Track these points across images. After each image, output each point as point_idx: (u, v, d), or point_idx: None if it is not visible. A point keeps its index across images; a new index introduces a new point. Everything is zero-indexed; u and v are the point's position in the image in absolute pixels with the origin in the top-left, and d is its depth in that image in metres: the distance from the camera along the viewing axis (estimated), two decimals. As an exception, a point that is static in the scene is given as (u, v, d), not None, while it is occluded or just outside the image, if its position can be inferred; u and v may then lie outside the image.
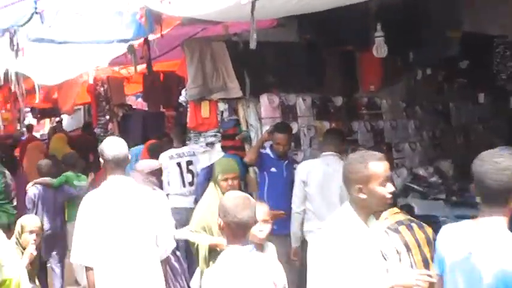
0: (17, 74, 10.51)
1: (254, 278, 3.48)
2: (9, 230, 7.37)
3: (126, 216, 4.66)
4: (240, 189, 5.19)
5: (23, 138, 15.50)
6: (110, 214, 4.63)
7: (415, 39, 7.57)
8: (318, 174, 6.19)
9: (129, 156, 4.92)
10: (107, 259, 4.60)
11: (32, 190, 8.19)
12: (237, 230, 3.54)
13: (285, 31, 7.59)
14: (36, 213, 7.71)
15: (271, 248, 4.67)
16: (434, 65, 8.98)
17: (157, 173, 6.10)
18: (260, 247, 4.39)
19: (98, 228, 4.58)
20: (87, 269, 4.64)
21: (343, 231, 3.24)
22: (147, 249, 4.72)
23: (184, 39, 7.58)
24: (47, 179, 8.29)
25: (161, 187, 6.61)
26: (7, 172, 8.75)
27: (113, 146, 4.73)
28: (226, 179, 5.18)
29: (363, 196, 3.26)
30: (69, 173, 8.54)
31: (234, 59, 7.34)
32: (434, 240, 3.49)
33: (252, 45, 5.05)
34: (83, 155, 11.22)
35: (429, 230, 4.25)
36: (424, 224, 4.33)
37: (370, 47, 7.08)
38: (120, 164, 4.71)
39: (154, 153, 7.60)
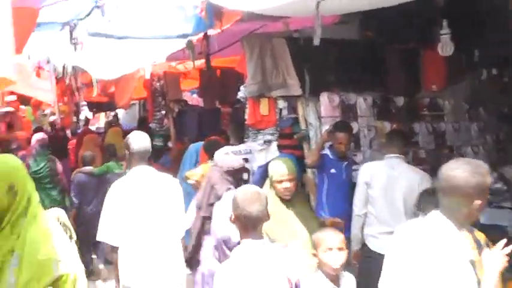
0: (74, 68, 10.67)
1: (267, 272, 3.54)
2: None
3: (148, 200, 5.26)
4: (296, 190, 5.02)
5: (79, 130, 15.64)
6: (134, 198, 5.23)
7: (481, 37, 7.30)
8: (381, 177, 5.92)
9: (150, 150, 5.51)
10: (130, 238, 5.17)
11: (76, 178, 9.11)
12: (246, 224, 3.66)
13: (347, 28, 7.40)
14: (79, 199, 8.90)
15: (348, 279, 4.30)
16: (500, 64, 8.61)
17: (233, 172, 5.90)
18: (335, 278, 4.17)
19: (123, 211, 5.17)
20: (113, 247, 5.22)
21: (444, 241, 3.19)
22: (167, 229, 5.30)
23: (244, 34, 7.46)
24: (90, 168, 9.11)
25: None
26: (55, 159, 9.29)
27: (138, 140, 5.40)
28: (281, 181, 4.93)
29: (470, 208, 3.19)
30: (111, 163, 9.27)
31: (294, 56, 7.17)
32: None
33: (316, 41, 4.94)
34: None
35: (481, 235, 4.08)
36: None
37: (433, 44, 6.81)
38: (144, 156, 5.40)
39: (210, 151, 7.46)
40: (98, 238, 5.28)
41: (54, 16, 6.61)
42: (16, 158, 3.39)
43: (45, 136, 9.65)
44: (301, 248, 4.65)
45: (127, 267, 5.19)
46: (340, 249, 4.15)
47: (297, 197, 5.10)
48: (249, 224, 3.65)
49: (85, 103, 17.43)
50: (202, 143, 8.32)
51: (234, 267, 3.59)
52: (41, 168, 8.90)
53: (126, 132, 11.92)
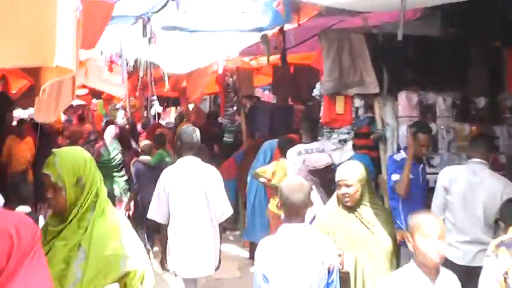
0: (147, 62, 10.70)
1: (302, 253, 3.99)
2: (120, 200, 9.33)
3: (192, 186, 5.98)
4: (362, 194, 4.70)
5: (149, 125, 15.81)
6: (180, 184, 5.97)
7: None
8: (462, 183, 5.58)
9: (199, 142, 6.28)
10: (174, 217, 5.95)
11: (135, 166, 9.52)
12: (289, 210, 4.12)
13: (427, 24, 7.10)
14: (137, 186, 9.37)
15: (449, 278, 3.85)
16: None
17: (317, 172, 5.73)
18: (432, 272, 3.72)
19: (170, 194, 5.93)
20: (161, 226, 6.05)
21: None
22: (206, 212, 6.01)
23: (321, 30, 7.27)
24: (146, 158, 9.44)
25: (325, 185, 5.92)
26: (124, 150, 10.39)
27: (187, 134, 6.22)
28: (340, 185, 4.70)
29: None
30: (162, 151, 9.54)
31: (372, 53, 6.92)
32: None
33: (399, 36, 4.75)
34: (208, 146, 11.25)
35: None
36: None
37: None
38: (192, 148, 6.15)
39: (284, 148, 7.33)
40: (148, 216, 6.11)
41: (127, 9, 6.57)
42: (84, 151, 3.36)
43: (117, 129, 10.68)
44: (358, 259, 4.55)
45: (172, 244, 6.02)
46: (440, 238, 3.68)
47: (367, 202, 4.78)
48: (292, 211, 4.10)
49: (155, 98, 17.57)
50: (276, 140, 8.22)
51: (274, 244, 4.09)
52: (112, 158, 9.85)
53: (196, 127, 12.08)
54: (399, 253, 4.88)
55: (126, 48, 9.20)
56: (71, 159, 3.17)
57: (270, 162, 8.16)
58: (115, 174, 9.90)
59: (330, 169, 5.76)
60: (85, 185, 3.18)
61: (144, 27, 6.99)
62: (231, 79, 11.42)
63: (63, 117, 19.49)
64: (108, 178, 9.32)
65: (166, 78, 10.86)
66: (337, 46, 6.90)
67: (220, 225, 6.16)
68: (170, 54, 9.31)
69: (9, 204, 6.33)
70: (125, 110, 16.81)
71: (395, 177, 6.26)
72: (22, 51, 2.18)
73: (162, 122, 17.90)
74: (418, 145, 6.23)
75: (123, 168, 10.16)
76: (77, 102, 20.23)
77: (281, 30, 7.58)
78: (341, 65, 6.87)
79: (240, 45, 8.85)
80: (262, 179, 7.84)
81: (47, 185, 3.14)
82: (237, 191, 10.05)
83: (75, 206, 3.15)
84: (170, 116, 20.85)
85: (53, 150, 3.25)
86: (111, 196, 8.45)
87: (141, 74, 10.98)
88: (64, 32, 2.24)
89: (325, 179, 5.62)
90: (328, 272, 4.01)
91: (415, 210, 5.77)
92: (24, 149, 10.45)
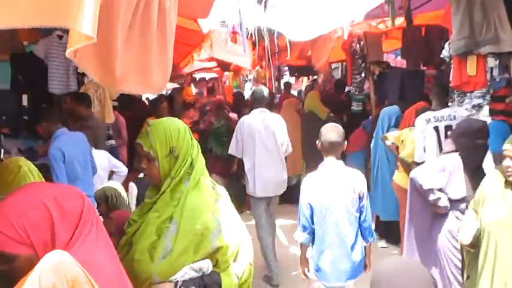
0: (270, 30, 10.39)
1: (337, 182, 4.92)
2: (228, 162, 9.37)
3: (264, 130, 7.61)
4: None
5: (279, 95, 15.74)
6: (254, 128, 7.62)
7: None
8: None
9: (267, 97, 7.93)
10: (251, 153, 7.65)
11: None
12: (326, 148, 4.98)
13: None
14: None
15: None
16: None
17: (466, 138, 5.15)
18: None
19: (247, 136, 7.63)
20: (239, 159, 7.90)
21: None
22: (276, 147, 7.69)
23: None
24: None
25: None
26: (230, 117, 10.91)
27: (258, 92, 7.86)
28: (504, 156, 4.08)
29: None
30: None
31: (508, 5, 6.14)
32: None
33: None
34: (336, 115, 11.05)
35: None
36: None
37: None
38: (261, 102, 7.79)
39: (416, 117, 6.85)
40: (229, 152, 7.83)
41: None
42: (179, 121, 3.26)
43: (222, 99, 12.39)
44: None
45: (249, 174, 7.63)
46: None
47: None
48: (328, 148, 4.96)
49: (286, 68, 17.31)
50: (395, 107, 7.84)
51: (315, 176, 5.04)
52: (220, 126, 10.56)
53: (324, 96, 11.71)
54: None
55: (247, 17, 8.99)
56: (163, 130, 3.11)
57: (392, 129, 7.96)
58: (224, 139, 10.21)
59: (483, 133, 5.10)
60: (179, 156, 3.11)
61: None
62: (358, 45, 10.84)
63: (194, 90, 19.79)
64: (218, 142, 10.45)
65: (288, 46, 10.48)
66: (467, 0, 6.18)
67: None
68: (292, 21, 9.04)
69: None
70: (254, 81, 16.69)
71: None
72: (42, 11, 1.99)
73: (294, 92, 17.67)
74: None
75: (230, 135, 10.24)
76: (210, 75, 20.51)
77: (405, -12, 6.98)
78: (472, 21, 6.12)
79: (364, 8, 8.32)
80: (388, 142, 7.46)
81: (141, 155, 3.14)
82: (366, 161, 9.66)
83: (169, 176, 3.10)
84: (302, 85, 20.64)
85: (148, 120, 3.29)
86: (222, 157, 9.84)
87: (266, 41, 10.72)
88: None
89: (475, 146, 5.02)
90: (359, 197, 4.93)
91: None
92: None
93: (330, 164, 4.95)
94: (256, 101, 7.79)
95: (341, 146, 4.97)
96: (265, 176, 7.57)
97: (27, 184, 2.27)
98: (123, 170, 7.27)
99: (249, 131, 7.56)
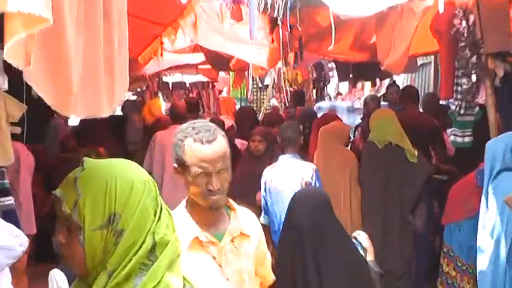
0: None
1: (289, 174, 5.88)
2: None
3: None
4: None
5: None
6: None
7: None
8: None
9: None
10: None
11: None
12: (285, 144, 6.15)
13: None
14: None
15: None
16: None
17: None
18: None
19: None
20: None
21: None
22: None
23: None
24: None
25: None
26: None
27: (285, 129, 7.31)
28: None
29: None
30: None
31: None
32: None
33: None
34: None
35: None
36: None
37: None
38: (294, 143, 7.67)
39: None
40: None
41: None
42: (139, 169, 2.06)
43: (222, 121, 9.51)
44: None
45: None
46: None
47: None
48: (286, 143, 6.07)
49: (331, 65, 12.51)
50: None
51: (273, 169, 6.01)
52: None
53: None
54: None
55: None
56: (104, 179, 1.80)
57: None
58: None
59: None
60: (123, 231, 1.77)
61: None
62: (464, 23, 6.19)
63: (164, 105, 13.50)
64: None
65: (333, 27, 5.71)
66: None
67: None
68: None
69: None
70: (274, 90, 11.87)
71: None
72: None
73: (341, 105, 12.47)
74: None
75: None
76: (192, 78, 14.44)
77: None
78: None
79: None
80: None
81: (60, 220, 1.83)
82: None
83: (102, 267, 1.77)
84: (363, 94, 14.33)
85: (84, 159, 1.91)
86: None
87: (297, 19, 6.37)
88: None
89: None
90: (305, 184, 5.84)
91: None
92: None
93: (286, 157, 5.98)
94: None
95: (297, 141, 6.13)
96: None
97: None
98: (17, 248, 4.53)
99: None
